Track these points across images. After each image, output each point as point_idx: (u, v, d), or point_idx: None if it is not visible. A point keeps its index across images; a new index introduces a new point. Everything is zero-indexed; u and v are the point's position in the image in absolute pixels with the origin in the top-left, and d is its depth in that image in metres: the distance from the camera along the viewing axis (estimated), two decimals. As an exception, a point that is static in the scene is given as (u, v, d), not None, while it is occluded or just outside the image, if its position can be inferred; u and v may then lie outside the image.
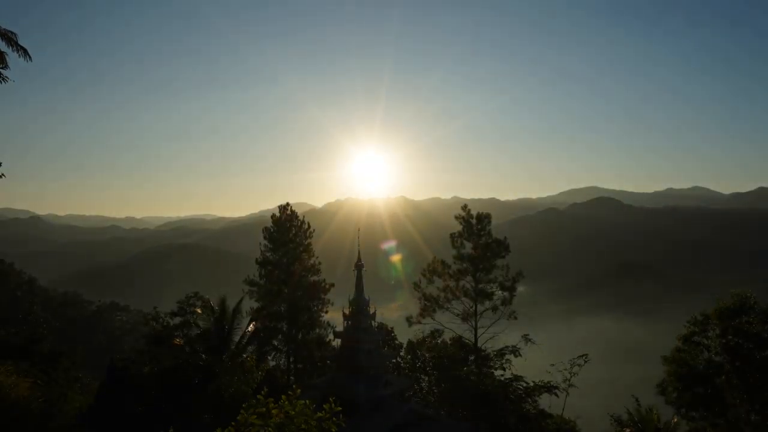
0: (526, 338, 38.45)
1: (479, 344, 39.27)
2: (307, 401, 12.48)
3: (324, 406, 12.36)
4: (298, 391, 12.70)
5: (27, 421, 23.38)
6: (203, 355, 29.69)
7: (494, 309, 38.18)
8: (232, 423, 11.93)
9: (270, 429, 11.87)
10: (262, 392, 12.59)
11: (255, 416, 11.91)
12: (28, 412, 23.69)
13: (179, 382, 27.08)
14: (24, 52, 19.25)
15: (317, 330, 42.73)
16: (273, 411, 12.07)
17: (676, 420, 30.94)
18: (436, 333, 40.92)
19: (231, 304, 31.41)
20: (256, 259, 42.86)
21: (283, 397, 12.39)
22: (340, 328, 29.79)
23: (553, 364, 39.17)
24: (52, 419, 24.76)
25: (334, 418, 12.27)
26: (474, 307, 38.69)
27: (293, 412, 11.97)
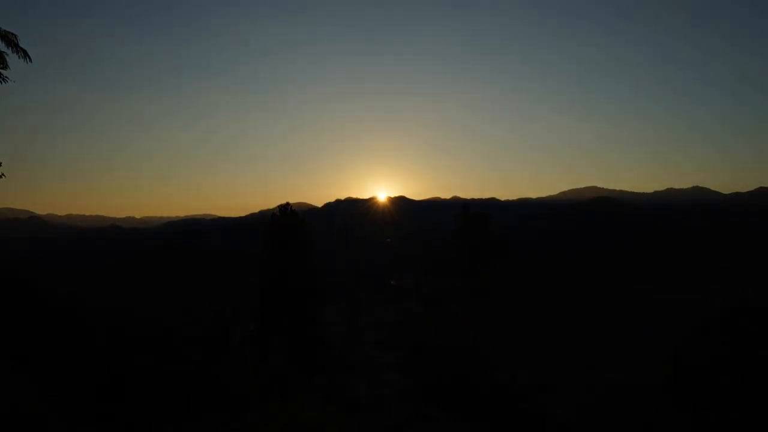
0: (526, 338, 38.56)
1: (479, 344, 39.30)
2: (311, 402, 12.50)
3: (327, 407, 12.37)
4: (304, 393, 12.71)
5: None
6: (203, 356, 29.73)
7: (494, 308, 38.24)
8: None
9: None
10: (272, 392, 12.61)
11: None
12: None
13: (179, 381, 27.10)
14: (24, 54, 19.16)
15: (317, 330, 42.76)
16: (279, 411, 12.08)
17: (672, 419, 30.92)
18: (435, 332, 40.99)
19: (231, 304, 31.44)
20: (257, 259, 42.89)
21: (290, 397, 12.41)
22: (340, 327, 29.82)
23: (555, 364, 39.26)
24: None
25: (336, 418, 12.28)
26: (474, 307, 38.73)
27: (297, 414, 11.98)
